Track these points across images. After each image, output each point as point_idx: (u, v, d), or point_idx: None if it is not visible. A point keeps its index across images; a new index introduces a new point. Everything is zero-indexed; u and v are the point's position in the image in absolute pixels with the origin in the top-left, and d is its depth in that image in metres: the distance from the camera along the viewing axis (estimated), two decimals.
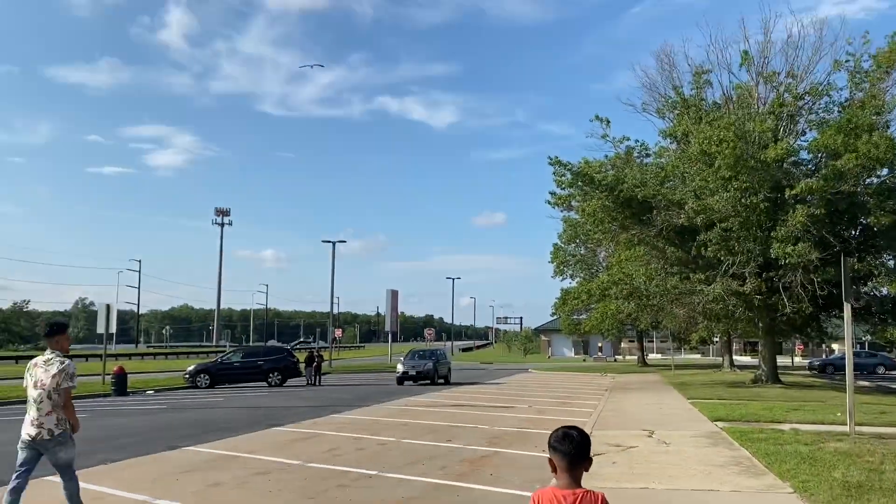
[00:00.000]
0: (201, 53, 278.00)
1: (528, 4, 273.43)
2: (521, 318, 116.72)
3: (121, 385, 28.17)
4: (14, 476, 6.53)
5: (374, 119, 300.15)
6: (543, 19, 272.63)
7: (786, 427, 14.40)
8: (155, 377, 39.11)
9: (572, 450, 2.97)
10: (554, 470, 3.01)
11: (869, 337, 64.68)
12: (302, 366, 35.24)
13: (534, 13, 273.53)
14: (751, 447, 11.44)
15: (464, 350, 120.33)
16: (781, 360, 37.16)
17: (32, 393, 6.53)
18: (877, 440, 12.32)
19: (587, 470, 3.02)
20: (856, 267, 24.92)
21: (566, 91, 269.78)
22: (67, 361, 6.61)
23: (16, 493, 6.47)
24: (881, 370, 49.51)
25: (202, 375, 33.26)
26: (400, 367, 35.20)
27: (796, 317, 28.44)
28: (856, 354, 53.23)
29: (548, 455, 3.06)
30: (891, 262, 27.46)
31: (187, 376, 33.32)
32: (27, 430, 6.50)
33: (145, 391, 30.29)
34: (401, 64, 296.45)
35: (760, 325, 30.11)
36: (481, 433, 14.85)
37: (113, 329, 32.53)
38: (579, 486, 2.98)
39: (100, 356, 54.17)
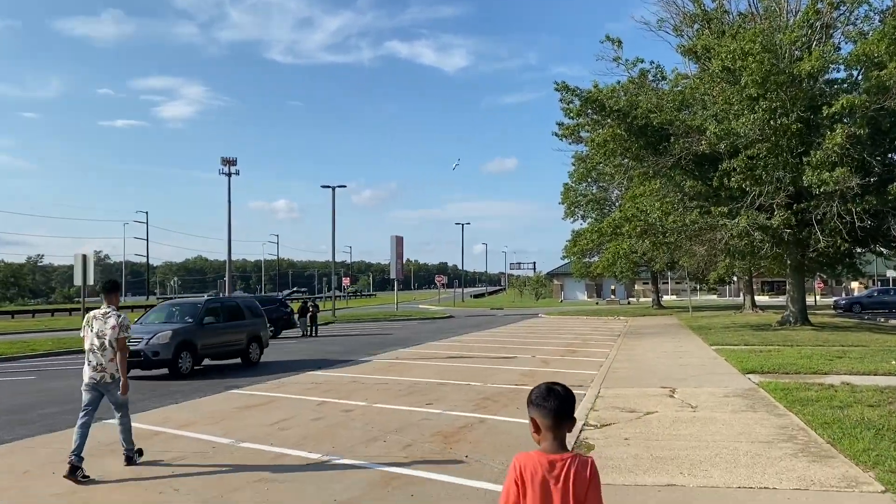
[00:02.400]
0: (206, 2, 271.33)
1: None
2: (535, 263, 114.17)
3: None
4: (81, 414, 7.43)
5: (384, 65, 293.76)
6: None
7: (835, 380, 11.96)
8: None
9: (557, 406, 2.68)
10: (535, 430, 2.74)
11: (894, 272, 61.91)
12: (296, 317, 33.16)
13: None
14: (801, 412, 9.02)
15: (475, 296, 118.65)
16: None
17: (95, 342, 7.50)
18: None
19: (570, 431, 2.75)
20: None
21: (579, 31, 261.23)
22: (123, 315, 7.67)
23: (84, 427, 7.31)
24: None
25: None
26: None
27: (829, 252, 25.82)
28: (884, 292, 50.77)
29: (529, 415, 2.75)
30: None
31: None
32: (90, 375, 7.47)
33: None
34: (410, 6, 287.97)
35: (789, 262, 27.47)
36: (470, 393, 12.56)
37: (91, 280, 30.48)
38: (565, 448, 2.71)
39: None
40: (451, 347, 23.00)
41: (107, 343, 7.46)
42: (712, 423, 8.70)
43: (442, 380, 14.44)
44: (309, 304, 34.93)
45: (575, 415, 2.77)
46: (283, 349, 24.77)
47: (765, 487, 5.84)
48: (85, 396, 7.52)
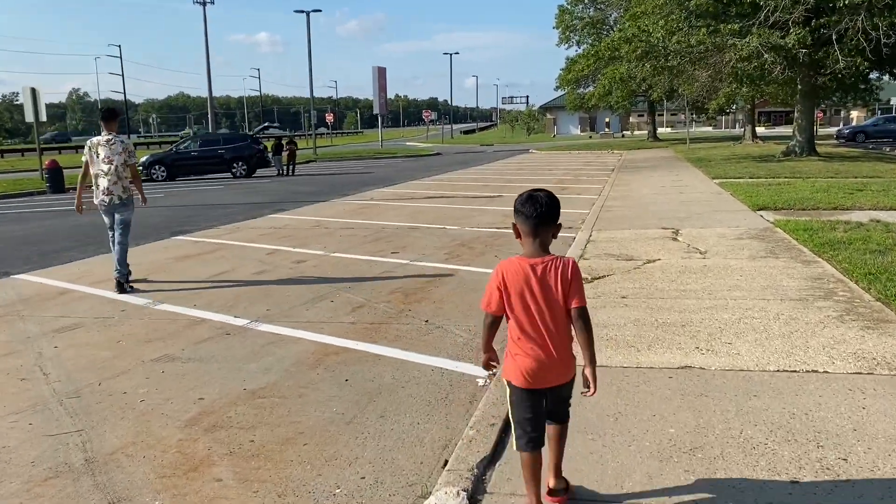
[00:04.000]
0: None
1: None
2: (527, 96, 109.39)
3: (55, 181, 24.67)
4: (110, 236, 8.25)
5: None
6: None
7: (862, 217, 10.42)
8: None
9: (538, 211, 2.72)
10: (517, 236, 2.82)
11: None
12: (269, 154, 31.18)
13: None
14: (834, 258, 7.49)
15: (465, 132, 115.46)
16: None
17: (102, 167, 8.00)
18: None
19: (555, 237, 2.83)
20: None
21: None
22: (127, 140, 8.30)
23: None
24: None
25: (157, 167, 29.57)
26: None
27: (845, 75, 23.57)
28: (890, 120, 48.64)
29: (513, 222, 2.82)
30: None
31: (141, 168, 29.50)
32: (101, 199, 8.08)
33: (89, 186, 26.59)
34: None
35: (800, 87, 25.24)
36: (444, 238, 11.02)
37: (43, 117, 28.27)
38: (547, 253, 2.77)
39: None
40: (433, 186, 21.36)
41: (114, 168, 7.94)
42: (728, 273, 7.18)
43: (415, 223, 12.88)
44: (284, 141, 32.86)
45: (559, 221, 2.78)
46: (252, 189, 23.11)
47: (813, 371, 4.34)
48: (106, 220, 8.21)
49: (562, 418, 2.93)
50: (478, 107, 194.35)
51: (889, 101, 59.23)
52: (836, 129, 55.75)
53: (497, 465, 3.34)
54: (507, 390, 2.85)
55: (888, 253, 7.55)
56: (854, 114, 77.65)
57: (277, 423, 4.17)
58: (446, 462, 3.49)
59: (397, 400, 4.48)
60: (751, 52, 21.78)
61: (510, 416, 2.87)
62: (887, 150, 33.23)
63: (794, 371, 4.34)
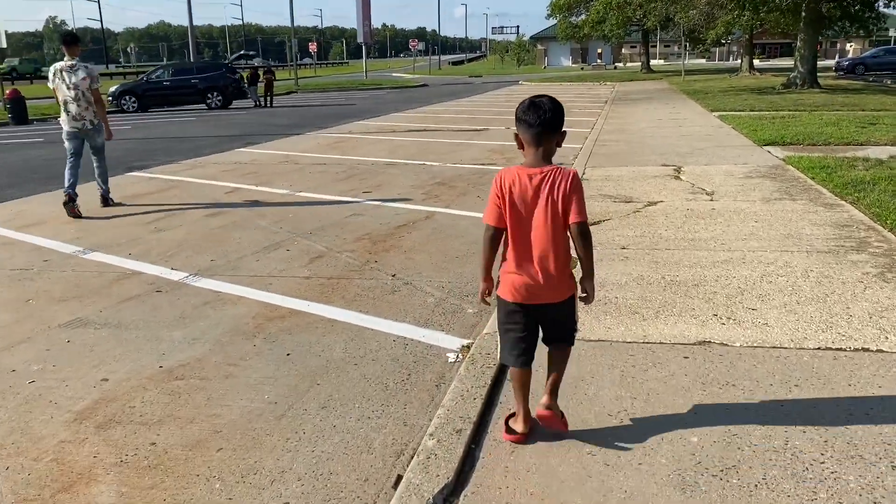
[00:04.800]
0: None
1: None
2: (518, 27, 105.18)
3: (18, 112, 23.31)
4: (69, 160, 8.02)
5: None
6: None
7: (880, 153, 9.50)
8: None
9: (542, 118, 2.54)
10: (520, 146, 2.65)
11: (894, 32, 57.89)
12: (245, 85, 29.65)
13: None
14: (861, 201, 6.59)
15: (454, 63, 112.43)
16: (789, 61, 29.56)
17: (70, 93, 7.88)
18: None
19: (559, 145, 2.60)
20: None
21: None
22: (91, 66, 8.27)
23: (74, 169, 7.99)
24: None
25: (128, 97, 28.07)
26: None
27: (852, 1, 22.31)
28: (891, 52, 47.21)
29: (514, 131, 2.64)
30: None
31: (111, 99, 28.02)
32: (71, 125, 7.98)
33: (57, 118, 25.20)
34: None
35: (804, 14, 23.91)
36: (423, 176, 10.04)
37: (3, 43, 26.62)
38: (549, 163, 2.59)
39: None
40: (415, 119, 20.19)
41: (80, 94, 7.86)
42: (740, 217, 6.29)
43: (393, 159, 11.86)
44: (261, 70, 31.31)
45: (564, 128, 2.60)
46: (225, 121, 21.85)
47: (863, 349, 3.48)
48: (69, 145, 8.07)
49: (563, 341, 2.74)
50: (467, 37, 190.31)
51: (888, 31, 57.60)
52: (832, 61, 54.20)
53: (462, 495, 2.48)
54: (497, 306, 2.75)
55: None
56: (850, 46, 75.82)
57: (191, 417, 3.30)
58: (399, 479, 2.65)
59: (347, 383, 3.61)
60: None
61: (498, 332, 2.77)
62: (888, 82, 32.09)
63: (840, 349, 3.48)
